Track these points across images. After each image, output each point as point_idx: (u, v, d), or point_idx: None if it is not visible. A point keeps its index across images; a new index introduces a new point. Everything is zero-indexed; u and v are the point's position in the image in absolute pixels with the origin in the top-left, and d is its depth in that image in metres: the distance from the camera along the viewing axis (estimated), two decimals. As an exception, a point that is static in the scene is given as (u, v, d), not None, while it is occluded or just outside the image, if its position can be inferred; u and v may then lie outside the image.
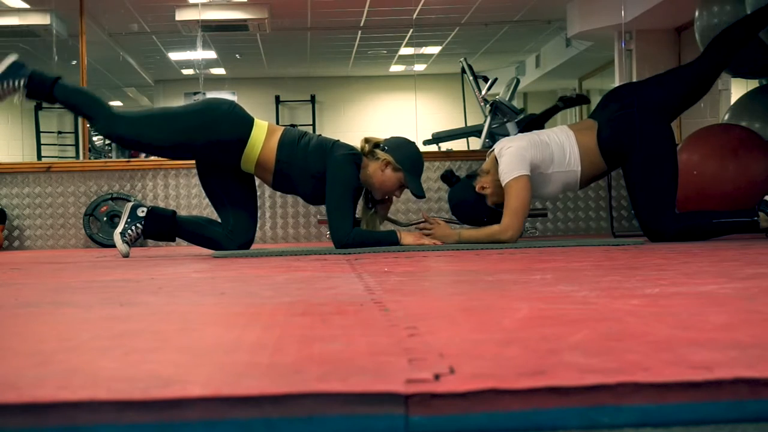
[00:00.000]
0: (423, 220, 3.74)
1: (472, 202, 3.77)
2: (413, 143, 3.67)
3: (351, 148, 3.56)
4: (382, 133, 3.78)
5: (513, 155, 3.59)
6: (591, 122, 3.79)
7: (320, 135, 3.66)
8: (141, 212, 3.63)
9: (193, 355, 0.90)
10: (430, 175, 5.31)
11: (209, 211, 5.08)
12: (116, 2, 8.42)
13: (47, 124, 10.75)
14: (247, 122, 3.54)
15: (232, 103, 3.67)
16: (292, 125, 3.83)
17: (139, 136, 3.49)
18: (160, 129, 3.48)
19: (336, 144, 3.57)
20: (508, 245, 3.47)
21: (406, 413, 0.65)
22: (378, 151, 3.55)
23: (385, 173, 3.54)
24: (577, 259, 2.51)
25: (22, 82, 3.40)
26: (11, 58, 3.45)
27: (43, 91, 3.43)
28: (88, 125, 6.38)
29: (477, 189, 3.74)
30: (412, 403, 0.66)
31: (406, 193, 5.35)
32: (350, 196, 3.52)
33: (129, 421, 0.65)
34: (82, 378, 0.75)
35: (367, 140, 3.61)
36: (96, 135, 8.84)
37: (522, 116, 5.41)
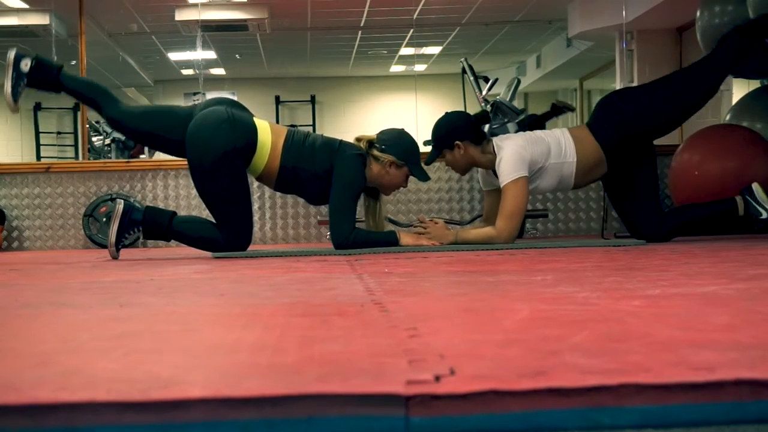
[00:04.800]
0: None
1: (449, 127, 3.69)
2: (404, 131, 3.67)
3: (358, 148, 3.55)
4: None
5: (512, 156, 3.58)
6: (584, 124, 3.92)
7: (323, 135, 3.66)
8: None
9: (193, 356, 0.89)
10: (430, 175, 5.31)
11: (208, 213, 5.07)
12: (116, 2, 8.42)
13: (46, 125, 10.74)
14: (250, 128, 3.50)
15: (227, 109, 3.51)
16: (293, 125, 3.79)
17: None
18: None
19: (343, 143, 3.57)
20: (508, 246, 3.47)
21: (407, 414, 0.65)
22: (377, 152, 3.54)
23: (390, 173, 3.56)
24: (577, 260, 2.51)
25: (139, 229, 3.59)
26: (120, 206, 3.57)
27: (159, 231, 3.59)
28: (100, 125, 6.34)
29: (446, 157, 3.72)
30: (413, 404, 0.65)
31: (406, 192, 5.35)
32: (355, 198, 3.52)
33: (129, 422, 0.65)
34: (81, 379, 0.75)
35: (359, 139, 3.60)
36: (95, 136, 8.81)
37: (523, 116, 5.39)
